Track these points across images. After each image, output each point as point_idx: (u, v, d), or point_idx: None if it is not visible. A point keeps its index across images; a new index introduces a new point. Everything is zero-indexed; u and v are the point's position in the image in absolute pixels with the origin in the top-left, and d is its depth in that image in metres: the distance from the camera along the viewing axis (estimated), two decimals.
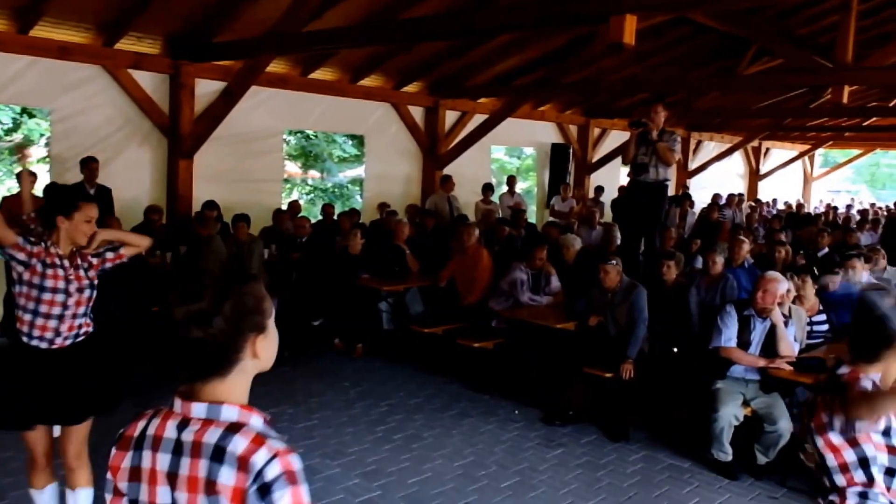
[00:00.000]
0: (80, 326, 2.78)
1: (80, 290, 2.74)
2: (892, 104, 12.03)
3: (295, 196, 13.50)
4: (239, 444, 1.11)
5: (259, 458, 1.09)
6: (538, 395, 4.97)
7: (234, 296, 1.17)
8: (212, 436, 1.13)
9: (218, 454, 1.11)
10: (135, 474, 1.19)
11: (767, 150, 17.35)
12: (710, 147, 15.05)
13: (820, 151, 19.43)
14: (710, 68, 10.13)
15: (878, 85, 9.87)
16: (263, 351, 1.21)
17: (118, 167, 6.54)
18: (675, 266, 5.19)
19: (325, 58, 7.56)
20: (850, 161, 20.99)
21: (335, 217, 7.99)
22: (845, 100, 7.10)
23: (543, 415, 4.78)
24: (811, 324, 4.53)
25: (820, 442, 1.81)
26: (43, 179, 6.76)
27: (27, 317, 2.67)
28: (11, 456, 3.59)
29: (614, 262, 4.77)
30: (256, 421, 1.17)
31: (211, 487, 1.10)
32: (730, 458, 4.00)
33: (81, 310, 2.76)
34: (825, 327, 4.71)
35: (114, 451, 1.23)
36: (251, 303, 1.19)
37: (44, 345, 2.70)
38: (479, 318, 5.65)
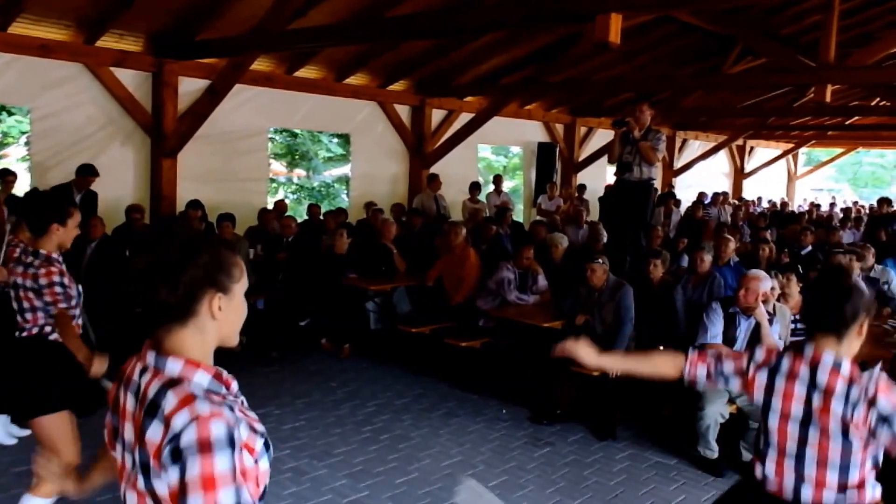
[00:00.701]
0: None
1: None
2: (873, 103, 12.18)
3: (280, 195, 13.42)
4: (169, 402, 1.12)
5: (179, 420, 1.09)
6: (525, 394, 4.97)
7: (202, 251, 1.22)
8: (153, 389, 1.16)
9: (151, 409, 1.14)
10: (115, 406, 1.26)
11: (752, 148, 17.53)
12: (696, 146, 15.16)
13: (803, 150, 19.66)
14: (694, 67, 10.20)
15: (861, 84, 9.99)
16: (222, 313, 1.23)
17: (100, 167, 6.42)
18: (661, 265, 5.22)
19: (310, 56, 7.51)
20: (832, 160, 21.27)
21: (321, 216, 7.94)
22: (828, 99, 7.18)
23: (531, 414, 4.78)
24: (795, 321, 4.57)
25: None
26: (23, 178, 6.68)
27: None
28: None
29: (601, 260, 4.78)
30: (201, 377, 1.18)
31: (142, 439, 1.13)
32: (716, 455, 4.03)
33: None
34: None
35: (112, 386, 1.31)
36: (218, 260, 1.23)
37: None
38: (466, 317, 5.64)
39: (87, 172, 5.96)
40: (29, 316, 2.73)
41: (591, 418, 4.64)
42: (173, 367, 1.17)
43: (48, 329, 2.77)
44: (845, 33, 7.97)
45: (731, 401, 4.08)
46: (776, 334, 4.09)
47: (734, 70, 9.45)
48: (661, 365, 2.08)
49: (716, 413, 3.98)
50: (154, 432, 1.11)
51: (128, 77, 6.57)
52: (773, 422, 1.84)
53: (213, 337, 1.24)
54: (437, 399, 5.09)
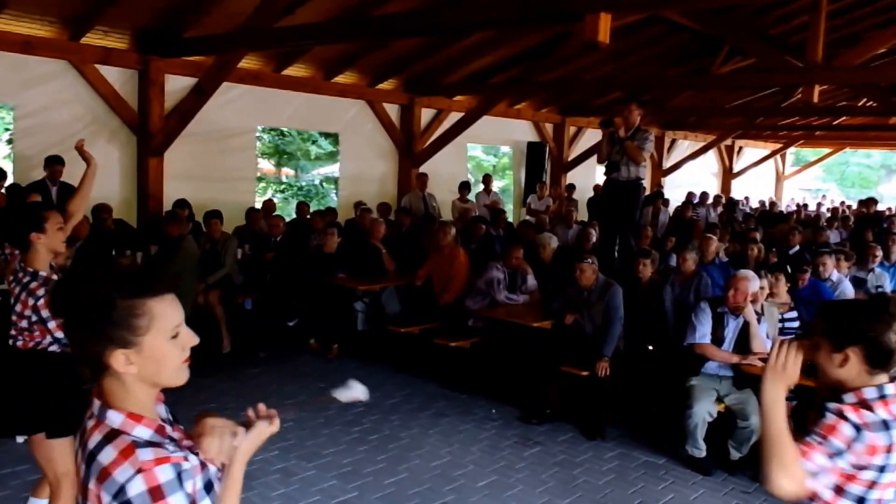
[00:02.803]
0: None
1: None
2: (860, 103, 12.28)
3: (269, 195, 13.34)
4: (107, 456, 1.11)
5: (121, 473, 1.08)
6: (515, 394, 4.96)
7: (100, 308, 1.14)
8: (93, 440, 1.15)
9: (90, 460, 1.14)
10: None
11: (740, 148, 17.63)
12: (685, 146, 15.23)
13: (791, 150, 19.81)
14: (683, 67, 10.23)
15: (848, 85, 10.07)
16: (135, 367, 1.16)
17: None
18: (650, 264, 5.23)
19: (298, 54, 7.46)
20: (820, 160, 21.43)
21: (308, 216, 7.89)
22: (815, 99, 7.23)
23: (520, 414, 4.77)
24: (783, 321, 4.59)
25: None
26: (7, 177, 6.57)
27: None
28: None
29: (590, 260, 4.78)
30: (142, 431, 1.15)
31: (84, 490, 1.14)
32: (704, 454, 4.04)
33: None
34: (797, 324, 4.79)
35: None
36: (116, 316, 1.14)
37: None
38: (455, 317, 5.63)
39: (53, 162, 5.82)
40: (36, 328, 2.69)
41: (581, 418, 4.64)
42: (114, 418, 1.15)
43: (48, 341, 2.71)
44: (833, 34, 8.02)
45: (720, 399, 4.10)
46: (764, 333, 4.11)
47: (723, 70, 9.49)
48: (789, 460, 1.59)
49: (704, 412, 3.99)
50: (91, 483, 1.11)
51: (113, 74, 6.49)
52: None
53: (137, 386, 1.18)
54: (427, 399, 5.07)
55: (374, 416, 4.69)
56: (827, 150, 20.06)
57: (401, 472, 3.88)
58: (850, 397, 1.58)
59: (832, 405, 1.57)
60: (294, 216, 8.30)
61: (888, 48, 8.95)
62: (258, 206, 7.77)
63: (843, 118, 14.39)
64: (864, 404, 1.55)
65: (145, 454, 1.10)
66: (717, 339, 4.12)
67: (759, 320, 4.10)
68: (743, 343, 4.07)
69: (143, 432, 1.15)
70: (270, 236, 6.86)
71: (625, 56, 9.13)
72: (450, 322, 5.60)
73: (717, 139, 14.99)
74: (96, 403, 1.18)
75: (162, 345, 1.18)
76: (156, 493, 1.08)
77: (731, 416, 4.05)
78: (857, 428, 1.53)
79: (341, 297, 6.17)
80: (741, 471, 4.02)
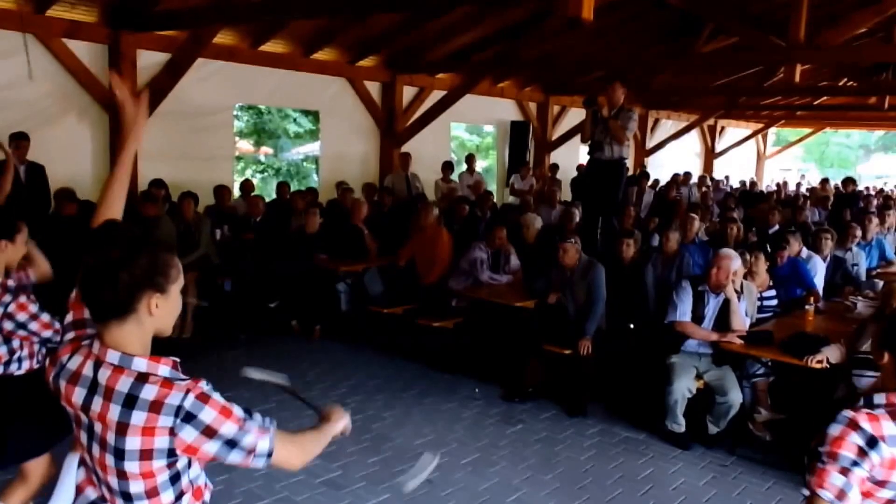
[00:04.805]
0: None
1: None
2: (841, 83, 12.36)
3: (248, 175, 13.14)
4: (150, 392, 1.30)
5: (174, 398, 1.30)
6: (498, 373, 4.98)
7: (143, 253, 1.33)
8: (123, 384, 1.31)
9: (129, 402, 1.30)
10: (56, 390, 1.42)
11: (723, 128, 17.71)
12: (668, 125, 15.25)
13: (773, 130, 19.94)
14: (666, 46, 10.18)
15: (829, 64, 10.11)
16: (159, 311, 1.36)
17: (54, 144, 6.17)
18: (633, 244, 5.24)
19: (275, 29, 7.27)
20: (800, 140, 21.62)
21: (288, 196, 7.77)
22: (797, 79, 7.24)
23: (503, 392, 4.79)
24: (762, 299, 4.64)
25: None
26: None
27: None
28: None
29: (573, 240, 4.78)
30: (164, 369, 1.35)
31: (122, 428, 1.29)
32: (683, 429, 4.09)
33: None
34: (775, 302, 4.84)
35: (47, 361, 1.47)
36: (157, 263, 1.35)
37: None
38: (438, 297, 5.61)
39: (18, 138, 5.50)
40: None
41: (563, 396, 4.67)
42: (139, 365, 1.33)
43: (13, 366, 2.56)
44: (815, 13, 8.01)
45: (699, 376, 4.14)
46: (743, 311, 4.14)
47: (705, 49, 9.45)
48: None
49: (683, 388, 4.03)
50: (138, 418, 1.29)
51: (81, 49, 6.26)
52: None
53: (149, 330, 1.38)
54: (410, 379, 5.07)
55: (358, 397, 4.68)
56: (808, 131, 20.24)
57: (384, 451, 3.88)
58: (880, 398, 1.45)
59: (843, 413, 1.44)
60: (274, 196, 8.17)
61: (869, 28, 8.98)
62: (237, 185, 7.64)
63: (824, 98, 14.49)
64: (893, 411, 1.42)
65: (182, 382, 1.32)
66: (698, 317, 4.15)
67: (738, 298, 4.13)
68: (723, 321, 4.10)
69: (164, 370, 1.35)
70: (250, 216, 6.76)
71: (607, 34, 9.06)
72: (433, 302, 5.58)
73: (699, 119, 15.02)
74: (113, 354, 1.34)
75: (177, 294, 1.41)
76: (203, 397, 1.31)
77: (709, 392, 4.10)
78: (872, 440, 1.39)
79: (323, 279, 6.12)
80: (719, 445, 4.09)
